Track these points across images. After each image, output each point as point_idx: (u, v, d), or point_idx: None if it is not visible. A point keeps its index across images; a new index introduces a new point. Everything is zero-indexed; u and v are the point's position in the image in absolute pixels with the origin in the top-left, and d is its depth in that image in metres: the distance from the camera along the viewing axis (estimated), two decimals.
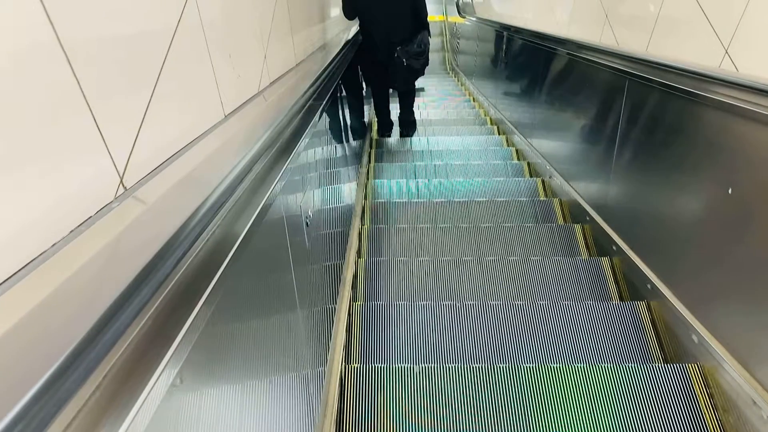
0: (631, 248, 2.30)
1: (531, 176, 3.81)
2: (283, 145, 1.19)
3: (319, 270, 1.70)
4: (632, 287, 2.28)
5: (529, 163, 3.95)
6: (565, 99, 3.26)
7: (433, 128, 5.16)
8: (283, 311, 1.21)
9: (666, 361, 1.97)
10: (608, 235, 2.51)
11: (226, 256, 0.77)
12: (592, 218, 2.72)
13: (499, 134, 4.94)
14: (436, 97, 6.92)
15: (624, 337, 2.05)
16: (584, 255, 2.69)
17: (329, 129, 2.49)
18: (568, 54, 3.06)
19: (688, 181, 1.87)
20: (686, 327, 1.83)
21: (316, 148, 1.91)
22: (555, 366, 1.80)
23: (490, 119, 5.51)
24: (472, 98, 6.87)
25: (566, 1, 3.34)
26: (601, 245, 2.63)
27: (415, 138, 4.89)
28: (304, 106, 1.51)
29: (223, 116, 1.24)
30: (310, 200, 1.64)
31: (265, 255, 1.09)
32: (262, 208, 0.94)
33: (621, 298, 2.36)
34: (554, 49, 3.30)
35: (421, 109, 6.05)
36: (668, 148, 1.98)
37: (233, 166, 0.92)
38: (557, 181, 3.30)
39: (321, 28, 3.11)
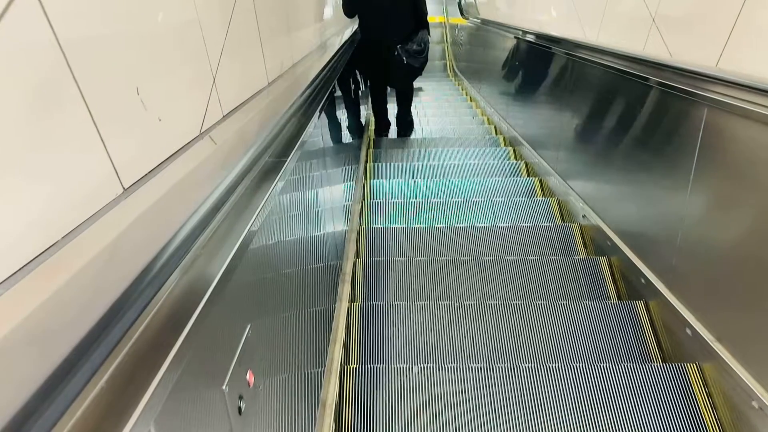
0: None
1: (588, 253, 2.69)
2: (209, 256, 0.71)
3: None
4: None
5: (582, 227, 2.84)
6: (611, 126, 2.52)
7: (435, 142, 4.60)
8: None
9: (664, 360, 1.93)
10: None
11: None
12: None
13: (506, 145, 4.43)
14: (438, 113, 6.19)
15: (622, 336, 2.02)
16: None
17: (324, 132, 2.04)
18: (615, 70, 2.37)
19: None
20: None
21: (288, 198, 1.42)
22: (553, 365, 1.78)
23: (497, 129, 5.00)
24: (472, 102, 6.36)
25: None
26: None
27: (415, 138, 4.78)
28: (260, 157, 1.02)
29: (121, 191, 0.76)
30: (256, 332, 0.98)
31: None
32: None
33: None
34: (590, 60, 2.70)
35: (419, 111, 5.73)
36: None
37: (100, 314, 0.50)
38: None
39: (307, 33, 2.61)
